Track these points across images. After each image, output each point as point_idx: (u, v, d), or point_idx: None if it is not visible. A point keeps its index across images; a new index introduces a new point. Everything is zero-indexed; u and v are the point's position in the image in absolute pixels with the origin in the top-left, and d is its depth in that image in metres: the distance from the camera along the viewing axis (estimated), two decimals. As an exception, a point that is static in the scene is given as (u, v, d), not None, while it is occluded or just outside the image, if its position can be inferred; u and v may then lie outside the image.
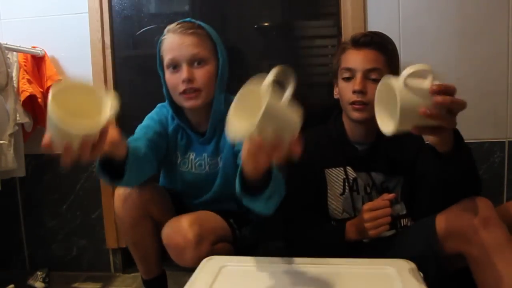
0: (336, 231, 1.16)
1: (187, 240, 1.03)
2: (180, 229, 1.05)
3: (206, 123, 1.21)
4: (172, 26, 1.17)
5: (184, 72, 1.12)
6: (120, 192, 1.16)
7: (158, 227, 1.19)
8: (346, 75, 1.19)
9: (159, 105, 1.30)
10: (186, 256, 1.04)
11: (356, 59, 1.18)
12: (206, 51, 1.16)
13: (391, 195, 1.08)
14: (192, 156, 1.24)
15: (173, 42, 1.14)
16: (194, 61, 1.14)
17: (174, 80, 1.15)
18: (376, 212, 1.04)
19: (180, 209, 1.26)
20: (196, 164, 1.24)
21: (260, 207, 0.86)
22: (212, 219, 1.17)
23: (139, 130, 1.20)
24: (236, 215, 1.24)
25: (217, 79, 1.18)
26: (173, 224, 1.08)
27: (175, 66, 1.14)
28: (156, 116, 1.25)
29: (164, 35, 1.18)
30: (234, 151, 1.18)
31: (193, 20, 1.19)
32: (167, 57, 1.15)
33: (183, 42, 1.13)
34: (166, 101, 1.24)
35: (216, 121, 1.19)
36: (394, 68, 1.23)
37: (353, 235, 1.11)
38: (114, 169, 0.89)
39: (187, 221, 1.06)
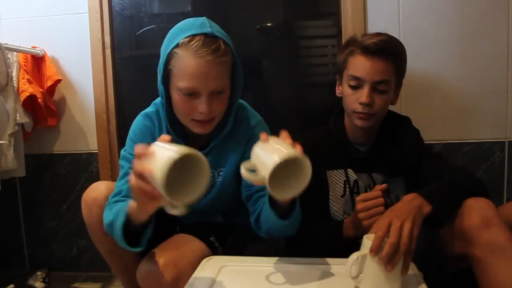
0: (334, 229, 1.16)
1: (163, 285, 0.98)
2: (155, 272, 0.98)
3: (204, 137, 1.12)
4: (194, 44, 0.94)
5: (203, 105, 0.98)
6: (85, 198, 1.09)
7: None
8: (353, 83, 1.16)
9: (142, 116, 1.14)
10: None
11: (365, 69, 1.13)
12: (227, 79, 1.02)
13: (383, 186, 1.07)
14: None
15: (196, 69, 0.95)
16: (215, 91, 1.00)
17: (187, 106, 1.01)
18: (368, 202, 1.04)
19: (161, 214, 1.23)
20: None
21: (290, 228, 0.96)
22: (190, 250, 1.08)
23: (127, 165, 1.06)
24: (219, 228, 1.20)
25: (231, 101, 1.08)
26: (147, 266, 1.01)
27: (191, 94, 0.99)
28: (142, 136, 1.11)
29: (178, 47, 0.96)
30: (238, 171, 1.13)
31: (217, 35, 0.96)
32: (183, 83, 0.97)
33: (208, 72, 0.96)
34: (160, 112, 1.11)
35: (220, 138, 1.11)
36: (401, 75, 1.20)
37: (350, 231, 1.11)
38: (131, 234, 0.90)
39: (162, 262, 0.99)
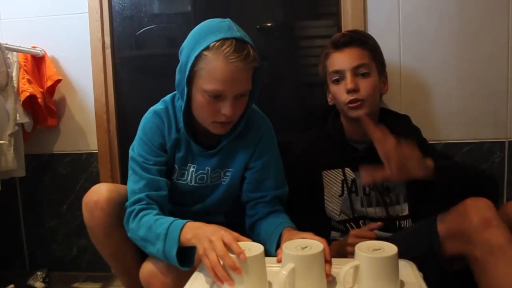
0: None
1: (166, 285, 1.00)
2: (158, 273, 1.00)
3: (214, 136, 1.12)
4: (226, 50, 0.94)
5: (228, 108, 1.00)
6: (87, 200, 1.09)
7: None
8: (336, 77, 1.21)
9: (151, 114, 1.14)
10: None
11: (341, 60, 1.19)
12: (250, 84, 1.04)
13: (377, 224, 1.11)
14: (192, 168, 1.15)
15: (226, 74, 0.96)
16: (238, 95, 1.01)
17: (211, 108, 1.01)
18: (361, 240, 1.05)
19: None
20: (197, 178, 1.16)
21: None
22: None
23: (139, 168, 1.08)
24: None
25: (248, 103, 1.09)
26: (150, 267, 1.02)
27: (217, 96, 1.00)
28: (151, 134, 1.11)
29: (208, 49, 0.95)
30: (246, 168, 1.17)
31: (245, 40, 0.97)
32: (211, 85, 0.97)
33: (238, 77, 0.97)
34: (169, 109, 1.12)
35: (230, 139, 1.13)
36: (379, 62, 1.24)
37: (333, 254, 1.12)
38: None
39: (164, 266, 1.00)
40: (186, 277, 0.93)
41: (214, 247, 0.83)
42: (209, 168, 1.15)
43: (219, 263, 0.81)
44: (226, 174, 1.17)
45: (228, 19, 1.02)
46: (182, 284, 0.94)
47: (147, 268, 1.03)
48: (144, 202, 1.04)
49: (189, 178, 1.16)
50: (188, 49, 1.00)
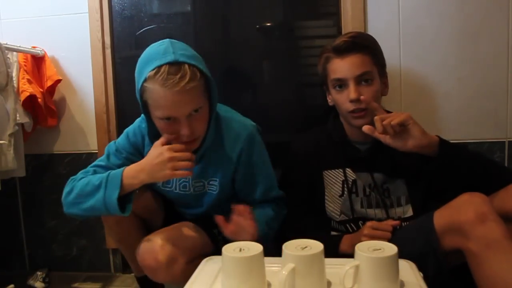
0: (330, 243, 1.15)
1: (158, 262, 1.04)
2: (152, 250, 1.06)
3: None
4: (159, 77, 0.95)
5: (185, 129, 1.02)
6: None
7: (145, 222, 1.23)
8: (338, 84, 1.19)
9: (138, 121, 1.20)
10: (159, 277, 1.08)
11: (343, 68, 1.16)
12: (201, 98, 1.03)
13: (397, 222, 1.10)
14: None
15: (167, 100, 0.97)
16: (192, 112, 1.02)
17: (170, 129, 1.04)
18: (377, 232, 1.06)
19: (172, 211, 1.29)
20: (180, 186, 1.20)
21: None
22: (190, 236, 1.14)
23: (110, 153, 1.16)
24: None
25: (211, 114, 1.10)
26: (146, 245, 1.08)
27: (169, 118, 1.02)
28: (133, 136, 1.18)
29: (146, 81, 0.98)
30: (233, 178, 1.20)
31: (180, 60, 0.97)
32: (159, 112, 1.00)
33: (180, 100, 0.97)
34: (146, 126, 1.13)
35: (206, 148, 1.14)
36: (381, 64, 1.22)
37: (347, 248, 1.12)
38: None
39: (160, 242, 1.06)
40: (179, 256, 1.01)
41: (168, 159, 0.99)
42: (190, 177, 1.18)
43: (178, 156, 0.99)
44: (211, 183, 1.19)
45: (167, 39, 1.03)
46: (175, 264, 1.01)
47: (143, 247, 1.08)
48: (89, 174, 1.11)
49: (173, 185, 1.21)
50: (136, 79, 1.04)
